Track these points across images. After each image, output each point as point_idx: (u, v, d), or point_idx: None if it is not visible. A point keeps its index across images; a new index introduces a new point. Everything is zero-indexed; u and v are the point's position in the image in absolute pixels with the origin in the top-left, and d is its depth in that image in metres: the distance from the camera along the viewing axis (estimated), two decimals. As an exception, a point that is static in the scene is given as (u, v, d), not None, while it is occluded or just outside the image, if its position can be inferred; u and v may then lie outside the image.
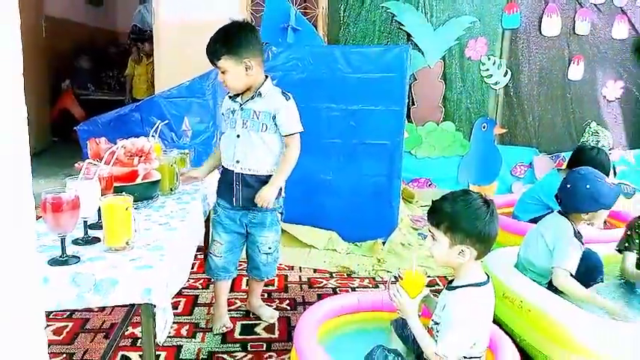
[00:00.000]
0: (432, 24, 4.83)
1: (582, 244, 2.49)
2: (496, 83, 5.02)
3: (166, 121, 3.30)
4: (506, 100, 5.08)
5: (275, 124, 2.33)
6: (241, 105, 2.32)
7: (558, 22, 4.95)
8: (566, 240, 2.42)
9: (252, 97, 2.31)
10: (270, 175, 2.35)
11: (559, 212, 2.56)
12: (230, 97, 2.39)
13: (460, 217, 1.74)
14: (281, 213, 2.51)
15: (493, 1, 4.86)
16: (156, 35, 4.71)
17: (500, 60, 4.98)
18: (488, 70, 4.98)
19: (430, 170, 5.10)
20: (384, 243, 3.61)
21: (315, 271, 3.23)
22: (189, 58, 4.00)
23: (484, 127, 5.06)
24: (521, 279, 2.42)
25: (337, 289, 2.97)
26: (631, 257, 2.60)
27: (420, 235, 3.94)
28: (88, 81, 7.52)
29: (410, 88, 4.91)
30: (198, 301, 2.75)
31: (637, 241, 2.60)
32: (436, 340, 1.74)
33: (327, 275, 3.18)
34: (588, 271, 2.51)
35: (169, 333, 2.37)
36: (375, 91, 3.55)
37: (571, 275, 2.35)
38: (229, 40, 2.23)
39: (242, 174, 2.34)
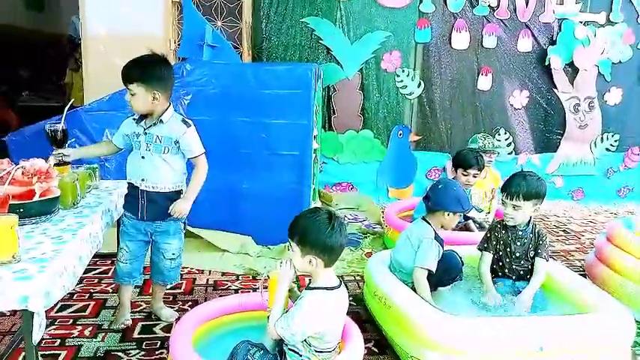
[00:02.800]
0: (349, 38, 5.15)
1: (442, 246, 2.84)
2: (410, 93, 5.38)
3: (71, 103, 3.31)
4: (420, 109, 5.45)
5: (178, 147, 2.60)
6: (145, 130, 2.58)
7: (467, 37, 5.35)
8: (426, 242, 2.76)
9: (155, 124, 2.57)
10: (173, 191, 2.64)
11: (422, 218, 2.90)
12: (134, 119, 2.65)
13: (307, 231, 2.04)
14: (184, 223, 2.79)
15: (406, 17, 5.22)
16: (84, 47, 4.86)
17: (414, 72, 5.35)
18: (402, 81, 5.34)
19: (351, 175, 5.43)
20: (294, 246, 3.89)
21: (223, 274, 3.49)
22: (118, 70, 4.21)
23: (400, 135, 5.42)
24: (388, 279, 2.73)
25: (239, 291, 3.23)
26: (487, 257, 2.94)
27: (332, 238, 4.24)
28: (26, 87, 7.55)
29: (330, 98, 5.23)
30: (106, 305, 2.97)
31: (494, 242, 2.95)
32: None
33: (234, 278, 3.44)
34: (447, 271, 2.85)
35: (73, 334, 2.62)
36: (283, 106, 3.83)
37: (430, 273, 2.70)
38: (145, 71, 2.50)
39: (147, 191, 2.61)
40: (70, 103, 2.89)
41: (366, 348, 2.59)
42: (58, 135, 2.68)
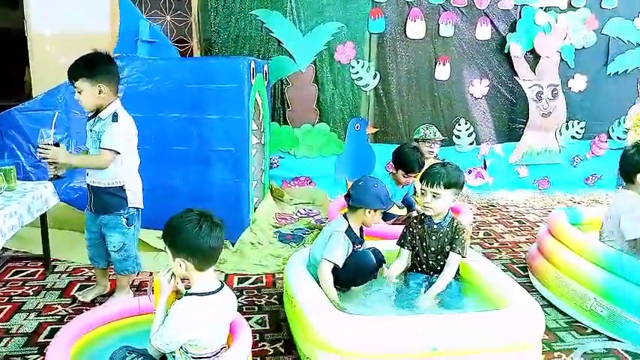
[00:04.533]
0: (301, 30, 5.06)
1: (356, 242, 2.77)
2: (366, 85, 5.29)
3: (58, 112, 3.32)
4: (377, 101, 5.36)
5: None
6: (90, 127, 2.75)
7: (423, 26, 5.24)
8: (336, 234, 2.69)
9: (96, 121, 2.72)
10: (113, 187, 2.76)
11: (343, 215, 2.83)
12: (88, 117, 2.79)
13: (175, 234, 1.97)
14: (127, 218, 2.84)
15: (358, 7, 5.12)
16: (30, 45, 4.81)
17: (369, 63, 5.25)
18: (358, 72, 5.24)
19: (309, 169, 5.35)
20: (233, 244, 3.84)
21: (150, 274, 3.43)
22: (64, 68, 4.15)
23: (357, 127, 5.33)
24: (298, 276, 2.65)
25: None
26: (403, 253, 2.86)
27: (277, 234, 4.18)
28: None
29: (283, 92, 5.15)
30: (22, 309, 2.91)
31: (409, 237, 2.87)
32: None
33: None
34: (359, 270, 2.75)
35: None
36: (217, 101, 3.75)
37: (337, 267, 2.63)
38: (87, 66, 2.65)
39: (91, 185, 2.79)
40: (56, 113, 2.88)
41: (272, 348, 2.56)
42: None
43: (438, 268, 2.82)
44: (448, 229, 2.79)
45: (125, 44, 4.13)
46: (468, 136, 5.55)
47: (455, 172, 2.78)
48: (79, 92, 2.64)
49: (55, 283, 3.24)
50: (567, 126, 5.74)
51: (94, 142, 2.70)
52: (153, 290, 2.17)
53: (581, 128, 5.77)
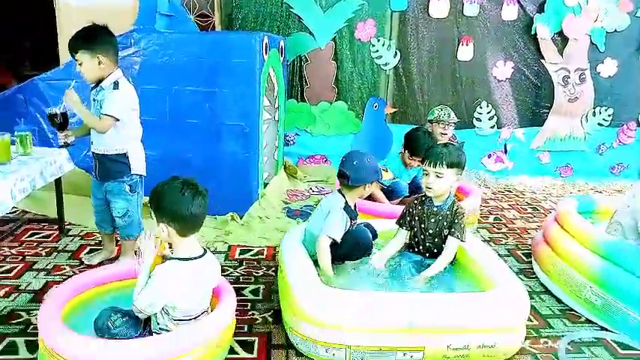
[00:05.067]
0: (321, 7, 5.04)
1: (353, 217, 2.81)
2: (386, 64, 5.24)
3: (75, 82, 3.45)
4: (396, 81, 5.31)
5: None
6: (93, 97, 2.85)
7: (446, 4, 5.14)
8: (335, 211, 2.73)
9: (98, 90, 2.82)
10: (117, 154, 2.88)
11: (338, 190, 2.86)
12: (91, 88, 2.89)
13: (159, 199, 2.05)
14: (130, 185, 2.97)
15: (381, -16, 5.05)
16: (58, 16, 4.94)
17: (389, 41, 5.20)
18: (378, 51, 5.20)
19: (325, 147, 5.37)
20: (241, 217, 3.92)
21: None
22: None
23: (375, 107, 5.31)
24: (291, 249, 2.71)
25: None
26: (400, 232, 2.88)
27: (285, 209, 4.25)
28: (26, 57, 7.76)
29: (302, 68, 5.16)
30: (33, 267, 3.08)
31: (408, 218, 2.88)
32: None
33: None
34: (356, 245, 2.80)
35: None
36: (229, 76, 3.79)
37: (335, 243, 2.67)
38: (85, 38, 2.75)
39: (96, 153, 2.91)
40: (72, 82, 2.95)
41: (261, 317, 2.64)
42: (58, 118, 2.89)
43: (434, 250, 2.83)
44: (448, 212, 2.79)
45: (145, 17, 4.22)
46: (489, 119, 5.45)
47: (456, 152, 2.79)
48: (80, 64, 2.75)
49: (67, 245, 3.40)
50: (594, 112, 5.56)
51: (96, 110, 2.81)
52: (140, 254, 2.27)
53: (609, 115, 5.58)
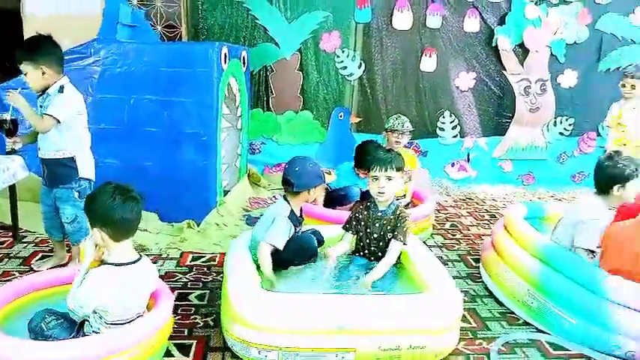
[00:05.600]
0: (287, 18, 5.13)
1: (298, 224, 2.87)
2: (351, 74, 5.34)
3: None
4: (361, 91, 5.40)
5: None
6: (40, 104, 2.90)
7: (410, 16, 5.25)
8: (279, 219, 2.79)
9: (44, 97, 2.89)
10: (63, 158, 2.92)
11: (283, 197, 2.93)
12: (38, 96, 2.94)
13: (91, 204, 2.10)
14: (78, 192, 3.00)
15: (345, -4, 5.16)
16: (25, 25, 4.98)
17: (354, 52, 5.30)
18: (343, 62, 5.30)
19: (291, 156, 5.38)
20: (198, 224, 3.97)
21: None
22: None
23: (341, 116, 5.39)
24: (235, 255, 2.76)
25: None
26: (346, 236, 2.95)
27: (245, 217, 4.30)
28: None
29: (268, 78, 5.24)
30: None
31: (354, 223, 2.95)
32: None
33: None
34: (300, 251, 2.86)
35: None
36: (187, 85, 3.86)
37: (277, 250, 2.73)
38: (29, 49, 2.85)
39: (42, 158, 2.95)
40: (19, 90, 2.98)
41: (203, 321, 2.68)
42: (7, 124, 2.93)
43: (379, 254, 2.89)
44: (392, 216, 2.86)
45: (108, 27, 4.28)
46: (452, 129, 5.55)
47: (399, 157, 2.87)
48: (25, 74, 2.83)
49: (20, 252, 3.42)
50: (555, 122, 5.69)
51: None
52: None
53: (570, 125, 5.71)
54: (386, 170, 2.76)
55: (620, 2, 5.47)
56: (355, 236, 2.97)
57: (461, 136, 5.58)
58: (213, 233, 3.89)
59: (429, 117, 5.51)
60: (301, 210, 2.99)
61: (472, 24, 5.36)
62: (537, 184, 5.71)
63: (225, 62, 4.01)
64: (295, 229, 2.87)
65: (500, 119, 5.62)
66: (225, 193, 4.42)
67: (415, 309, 2.33)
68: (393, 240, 2.82)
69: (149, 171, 4.00)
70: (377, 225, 2.88)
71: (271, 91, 5.27)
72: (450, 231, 4.25)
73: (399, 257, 2.90)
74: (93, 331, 2.15)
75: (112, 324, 2.13)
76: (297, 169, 2.88)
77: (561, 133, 5.72)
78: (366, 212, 2.93)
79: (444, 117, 5.52)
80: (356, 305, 2.31)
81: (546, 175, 5.72)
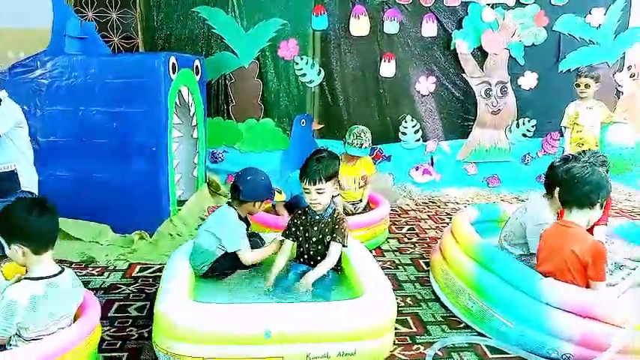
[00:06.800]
0: (243, 27, 5.13)
1: (247, 227, 2.88)
2: (311, 81, 5.34)
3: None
4: (321, 98, 5.40)
5: None
6: None
7: (366, 23, 5.26)
8: (231, 225, 2.80)
9: None
10: (5, 171, 2.92)
11: (228, 203, 2.91)
12: None
13: (5, 221, 2.05)
14: None
15: (301, 3, 5.17)
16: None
17: (313, 60, 5.30)
18: (302, 69, 5.30)
19: (254, 163, 5.26)
20: (151, 235, 3.93)
21: (59, 261, 3.53)
22: (10, 62, 4.30)
23: (303, 123, 5.38)
24: (172, 265, 2.74)
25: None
26: (286, 244, 2.92)
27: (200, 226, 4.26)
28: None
29: (227, 87, 5.23)
30: None
31: (293, 229, 2.93)
32: None
33: (66, 265, 3.48)
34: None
35: None
36: (135, 96, 3.84)
37: (218, 259, 2.75)
38: None
39: None
40: None
41: (138, 333, 2.65)
42: None
43: (319, 258, 2.87)
44: (329, 219, 2.85)
45: (58, 40, 4.25)
46: (415, 133, 5.56)
47: (329, 163, 2.83)
48: None
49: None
50: (518, 124, 5.71)
51: None
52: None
53: (532, 126, 5.73)
54: (314, 184, 2.74)
55: (577, 3, 5.51)
56: (295, 242, 2.95)
57: (424, 140, 5.59)
58: (165, 244, 3.85)
59: (391, 122, 5.52)
60: (246, 218, 2.97)
61: (430, 29, 5.38)
62: (502, 186, 5.71)
63: (174, 72, 3.99)
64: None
65: (463, 122, 5.63)
66: (182, 202, 4.39)
67: (342, 315, 2.30)
68: (332, 242, 2.81)
69: (101, 183, 3.97)
70: (315, 229, 2.86)
71: (231, 100, 5.25)
72: (407, 235, 4.24)
73: (340, 262, 2.89)
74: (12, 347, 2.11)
75: (32, 340, 2.09)
76: (248, 178, 2.90)
77: (524, 135, 5.74)
78: (304, 217, 2.91)
79: (406, 122, 5.53)
80: (282, 313, 2.28)
81: (511, 177, 5.72)
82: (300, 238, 2.92)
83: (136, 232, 3.91)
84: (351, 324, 2.29)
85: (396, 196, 5.16)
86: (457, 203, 5.21)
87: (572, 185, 2.52)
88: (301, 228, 2.91)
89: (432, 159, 5.63)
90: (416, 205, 5.11)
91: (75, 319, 2.24)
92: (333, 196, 3.71)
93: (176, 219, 4.11)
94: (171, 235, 3.98)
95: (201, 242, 2.88)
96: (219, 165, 5.33)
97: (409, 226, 4.45)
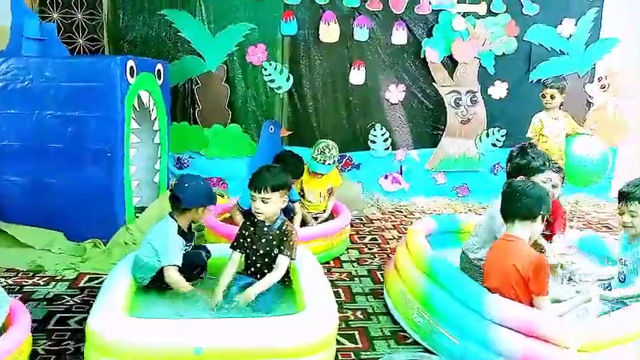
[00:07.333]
0: (211, 30, 5.07)
1: (188, 241, 2.83)
2: (279, 87, 5.28)
3: None
4: (290, 104, 5.35)
5: None
6: None
7: (336, 29, 5.22)
8: (168, 238, 2.72)
9: None
10: None
11: (170, 214, 2.84)
12: None
13: None
14: None
15: (270, 8, 5.11)
16: None
17: (282, 65, 5.24)
18: (270, 75, 5.24)
19: (221, 170, 5.35)
20: (105, 243, 3.84)
21: (7, 270, 3.45)
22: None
23: (271, 130, 5.32)
24: (110, 279, 2.66)
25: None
26: (234, 255, 2.85)
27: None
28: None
29: (193, 91, 5.16)
30: None
31: (241, 240, 2.86)
32: None
33: (13, 274, 3.40)
34: (190, 267, 2.81)
35: None
36: (89, 100, 3.76)
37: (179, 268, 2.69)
38: None
39: None
40: None
41: (75, 347, 2.59)
42: None
43: (266, 271, 2.81)
44: (278, 231, 2.80)
45: (16, 41, 4.16)
46: (384, 141, 5.51)
47: (279, 174, 2.80)
48: None
49: None
50: (488, 133, 5.69)
51: None
52: None
53: (502, 136, 5.71)
54: (260, 192, 2.70)
55: (548, 14, 5.51)
56: (243, 254, 2.89)
57: (393, 149, 5.54)
58: (119, 252, 3.74)
59: (361, 130, 5.47)
60: (189, 228, 2.90)
61: (400, 36, 5.34)
62: (472, 196, 5.68)
63: (132, 76, 3.91)
64: (185, 245, 2.80)
65: (432, 131, 5.60)
66: (142, 210, 4.30)
67: (276, 332, 2.23)
68: (280, 255, 2.75)
69: (54, 188, 3.89)
70: (263, 241, 2.81)
71: (197, 104, 5.18)
72: (368, 245, 4.20)
73: (288, 274, 2.83)
74: None
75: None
76: (186, 185, 2.84)
77: (494, 145, 5.72)
78: (252, 228, 2.85)
79: (375, 130, 5.48)
80: (214, 329, 2.21)
81: (480, 187, 5.69)
82: (248, 250, 2.86)
83: (90, 240, 3.82)
84: (284, 341, 2.22)
85: (362, 205, 5.11)
86: (424, 213, 5.17)
87: (513, 198, 2.49)
88: (249, 239, 2.85)
89: (401, 168, 5.59)
90: (382, 214, 5.07)
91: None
92: (290, 205, 3.69)
93: (132, 226, 4.02)
94: (126, 243, 3.88)
95: (141, 254, 2.81)
96: (185, 171, 5.24)
97: (372, 236, 4.41)
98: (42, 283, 3.29)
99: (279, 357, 2.22)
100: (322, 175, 4.14)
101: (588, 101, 5.79)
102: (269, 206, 2.73)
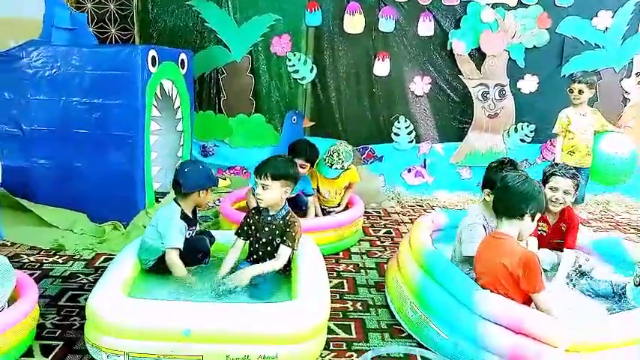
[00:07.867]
0: (237, 21, 5.14)
1: (192, 225, 2.93)
2: (303, 78, 5.31)
3: None
4: (313, 95, 5.37)
5: None
6: None
7: (361, 20, 5.19)
8: (171, 222, 2.83)
9: None
10: None
11: (174, 200, 2.94)
12: None
13: None
14: None
15: (294, -1, 5.14)
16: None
17: (306, 56, 5.27)
18: (294, 65, 5.27)
19: (245, 159, 5.44)
20: (125, 226, 4.00)
21: (30, 247, 3.65)
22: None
23: (294, 120, 5.36)
24: (117, 260, 2.79)
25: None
26: (237, 242, 2.93)
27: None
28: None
29: (219, 81, 5.26)
30: None
31: (245, 228, 2.93)
32: None
33: (36, 252, 3.60)
34: (193, 252, 2.91)
35: None
36: (113, 88, 3.91)
37: (181, 250, 2.79)
38: None
39: None
40: None
41: (80, 323, 2.67)
42: None
43: (267, 259, 2.87)
44: (281, 221, 2.85)
45: (48, 31, 4.35)
46: (408, 134, 5.47)
47: (284, 165, 2.85)
48: None
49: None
50: (516, 128, 5.55)
51: None
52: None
53: (531, 131, 5.56)
54: (260, 178, 2.76)
55: (583, 5, 5.30)
56: (246, 242, 2.96)
57: (417, 142, 5.49)
58: (137, 235, 3.85)
59: (384, 122, 5.44)
60: (194, 212, 2.99)
61: (426, 27, 5.27)
62: (496, 192, 5.55)
63: (154, 65, 4.03)
64: (188, 229, 2.89)
65: (458, 125, 5.51)
66: (163, 195, 4.44)
67: (263, 318, 2.29)
68: (281, 245, 2.81)
69: (79, 172, 4.07)
70: (266, 230, 2.87)
71: (223, 94, 5.28)
72: (380, 238, 4.19)
73: (289, 264, 2.88)
74: None
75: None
76: (186, 170, 2.93)
77: (522, 140, 5.57)
78: (257, 217, 2.92)
79: (399, 122, 5.44)
80: (203, 312, 2.29)
81: (507, 183, 5.55)
82: (251, 238, 2.94)
83: (110, 222, 3.98)
84: (271, 327, 2.28)
85: (382, 197, 5.10)
86: (445, 207, 5.11)
87: (502, 194, 2.45)
88: (253, 228, 2.92)
89: (424, 161, 5.53)
90: (401, 207, 5.04)
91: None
92: (304, 198, 3.73)
93: (152, 211, 4.16)
94: (144, 226, 4.01)
95: (146, 237, 2.92)
96: (210, 159, 5.37)
97: (387, 229, 4.40)
98: (61, 262, 3.47)
99: (266, 343, 2.28)
100: (329, 179, 4.11)
101: (625, 97, 5.55)
102: (268, 193, 2.79)
